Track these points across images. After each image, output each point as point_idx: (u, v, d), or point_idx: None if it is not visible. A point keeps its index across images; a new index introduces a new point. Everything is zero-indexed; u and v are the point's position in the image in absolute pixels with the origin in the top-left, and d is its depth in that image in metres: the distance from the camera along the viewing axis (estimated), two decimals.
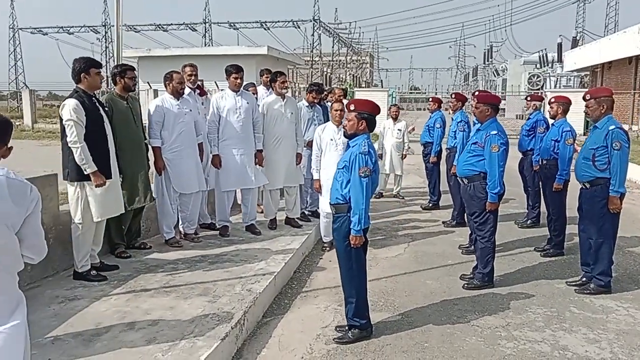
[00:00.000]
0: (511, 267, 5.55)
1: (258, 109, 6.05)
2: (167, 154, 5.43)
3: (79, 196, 4.33)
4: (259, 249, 5.49)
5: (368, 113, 3.75)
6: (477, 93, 5.19)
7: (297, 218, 6.54)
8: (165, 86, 5.49)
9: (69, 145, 4.23)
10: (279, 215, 6.51)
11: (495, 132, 4.79)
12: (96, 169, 4.27)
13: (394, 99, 22.62)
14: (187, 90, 5.73)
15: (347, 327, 3.89)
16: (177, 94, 5.47)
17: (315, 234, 6.35)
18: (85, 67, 4.33)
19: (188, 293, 4.24)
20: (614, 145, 4.62)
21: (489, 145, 4.77)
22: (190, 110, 5.56)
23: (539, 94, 8.20)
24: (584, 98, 4.88)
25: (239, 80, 5.77)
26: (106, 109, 4.58)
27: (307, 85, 7.22)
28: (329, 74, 49.08)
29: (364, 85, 53.95)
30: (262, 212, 6.63)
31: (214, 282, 4.48)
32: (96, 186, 4.29)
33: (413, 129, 10.00)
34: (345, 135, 3.88)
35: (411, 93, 57.31)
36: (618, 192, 4.63)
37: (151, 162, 5.45)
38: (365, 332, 3.86)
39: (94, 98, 4.42)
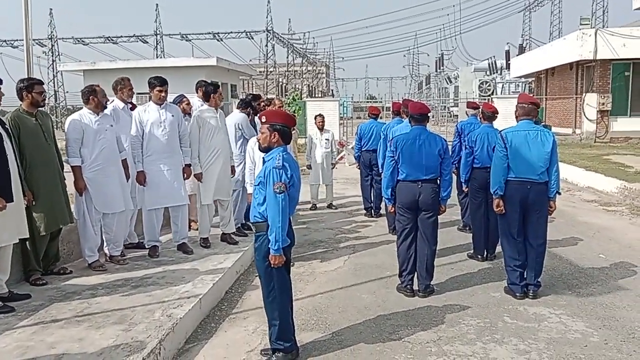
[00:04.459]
0: (449, 275, 5.48)
1: (184, 122, 5.79)
2: (88, 173, 5.09)
3: None
4: (188, 269, 5.21)
5: (281, 124, 3.57)
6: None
7: (233, 233, 6.29)
8: (89, 101, 5.14)
9: None
10: (216, 232, 6.25)
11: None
12: None
13: (346, 108, 22.66)
14: (120, 105, 5.68)
15: (271, 351, 3.69)
16: (102, 108, 5.18)
17: (252, 250, 6.10)
18: None
19: (102, 322, 3.93)
20: None
21: None
22: (112, 126, 5.26)
23: (474, 101, 8.29)
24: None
25: (163, 94, 5.49)
26: (6, 126, 4.22)
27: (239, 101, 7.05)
28: (284, 84, 48.90)
29: (319, 95, 54.04)
30: (197, 229, 6.35)
31: (133, 309, 4.19)
32: None
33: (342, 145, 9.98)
34: (260, 149, 3.68)
35: (367, 102, 57.78)
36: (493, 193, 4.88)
37: (70, 182, 5.12)
38: (290, 355, 3.67)
39: None
